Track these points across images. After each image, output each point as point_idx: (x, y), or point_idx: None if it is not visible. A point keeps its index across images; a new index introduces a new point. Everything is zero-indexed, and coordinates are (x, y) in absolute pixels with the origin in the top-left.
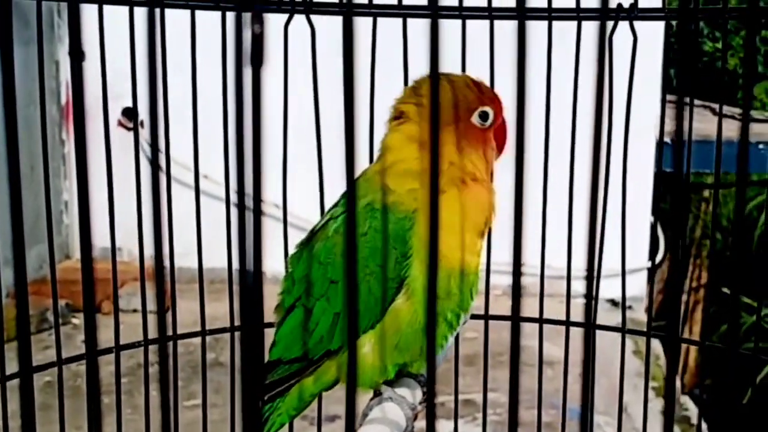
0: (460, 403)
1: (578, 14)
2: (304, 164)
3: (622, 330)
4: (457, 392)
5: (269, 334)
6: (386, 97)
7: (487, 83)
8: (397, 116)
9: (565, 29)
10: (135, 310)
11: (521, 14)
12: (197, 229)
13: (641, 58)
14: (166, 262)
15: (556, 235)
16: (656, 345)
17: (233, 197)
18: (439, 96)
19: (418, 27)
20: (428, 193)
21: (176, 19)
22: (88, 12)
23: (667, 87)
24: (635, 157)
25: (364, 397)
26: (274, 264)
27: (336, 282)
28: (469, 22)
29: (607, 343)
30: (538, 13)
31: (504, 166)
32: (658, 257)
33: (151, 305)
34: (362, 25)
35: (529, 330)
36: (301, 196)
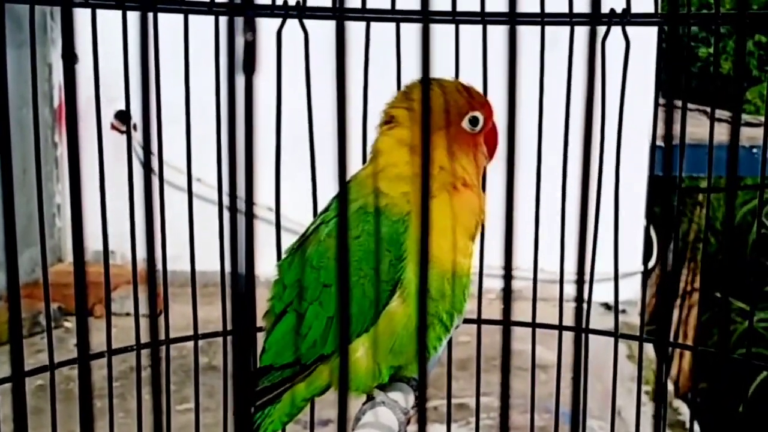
0: (453, 407)
1: (570, 19)
2: (296, 167)
3: (615, 334)
4: (450, 396)
5: (261, 339)
6: (379, 101)
7: (480, 88)
8: (388, 120)
9: (557, 34)
10: (128, 314)
11: (513, 19)
12: (190, 233)
13: (634, 63)
14: (159, 266)
15: (549, 239)
16: (649, 349)
17: (226, 200)
18: (430, 100)
19: (411, 31)
20: (420, 197)
21: (169, 23)
22: (81, 15)
23: (660, 91)
24: (629, 160)
25: (356, 402)
26: (266, 268)
27: (329, 286)
28: (462, 27)
29: (600, 347)
30: (530, 18)
31: (496, 169)
32: (652, 261)
33: (144, 309)
34: (355, 29)
35: (522, 334)
36: (294, 199)
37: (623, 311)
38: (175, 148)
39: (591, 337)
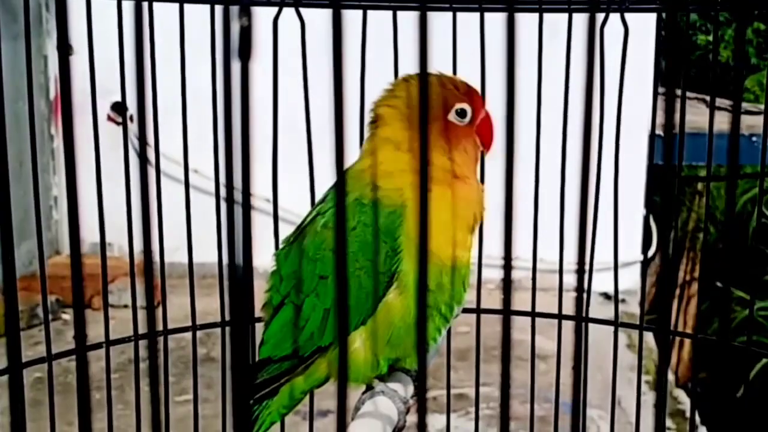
0: (452, 398)
1: (569, 6)
2: (294, 158)
3: (615, 323)
4: (449, 386)
5: (259, 330)
6: (376, 90)
7: (478, 76)
8: (374, 120)
9: (556, 22)
10: (125, 306)
11: (511, 6)
12: (187, 224)
13: (633, 51)
14: (156, 258)
15: (548, 229)
16: (649, 338)
17: (223, 191)
18: (412, 97)
19: (408, 19)
20: (414, 190)
21: (165, 12)
22: (76, 6)
23: (659, 79)
24: (628, 149)
25: (356, 392)
26: (264, 258)
27: (325, 277)
28: (459, 15)
29: (600, 337)
30: (528, 6)
31: (495, 160)
32: (651, 250)
33: (142, 300)
34: (352, 17)
35: (521, 324)
36: (292, 190)
37: (623, 301)
38: (172, 139)
39: (591, 326)
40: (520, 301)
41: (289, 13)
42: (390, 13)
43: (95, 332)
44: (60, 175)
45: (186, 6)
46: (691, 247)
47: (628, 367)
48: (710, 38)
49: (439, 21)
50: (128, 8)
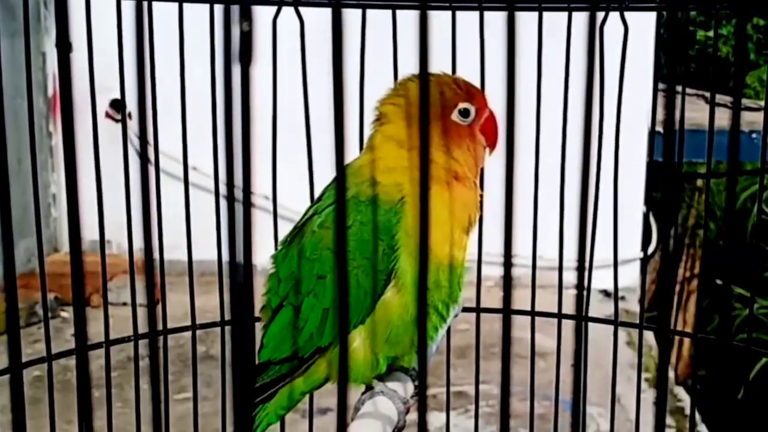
0: (452, 395)
1: (569, 5)
2: (293, 156)
3: (615, 322)
4: (449, 384)
5: (259, 328)
6: (375, 89)
7: (477, 75)
8: (378, 117)
9: (556, 20)
10: (125, 303)
11: (511, 5)
12: (186, 222)
13: (633, 48)
14: (156, 255)
15: (548, 226)
16: (649, 336)
17: (223, 189)
18: (415, 97)
19: (408, 18)
20: (414, 187)
21: (165, 11)
22: (75, 4)
23: (659, 76)
24: (628, 146)
25: (355, 391)
26: (264, 256)
27: (324, 277)
28: (459, 14)
29: (600, 334)
30: (528, 4)
31: (495, 157)
32: (651, 247)
33: (141, 298)
34: (351, 17)
35: (521, 321)
36: (291, 187)
37: (622, 298)
38: (172, 137)
39: (590, 324)
40: (520, 298)
41: (288, 12)
42: (389, 12)
43: (94, 330)
44: (58, 173)
45: (185, 5)
46: (691, 244)
47: (628, 365)
48: (710, 33)
49: (439, 20)
50: (127, 6)
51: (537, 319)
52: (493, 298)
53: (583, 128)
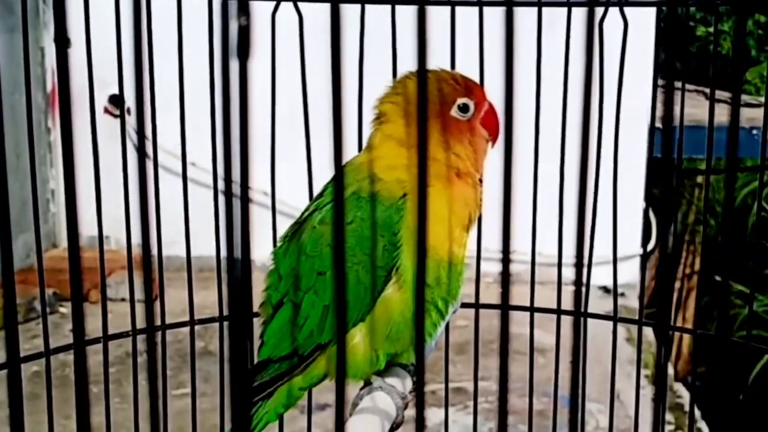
0: (450, 392)
1: (568, 1)
2: (292, 152)
3: (614, 318)
4: (447, 380)
5: (258, 325)
6: (375, 86)
7: (477, 71)
8: (378, 117)
9: (555, 16)
10: (123, 299)
11: (510, 1)
12: (185, 217)
13: (633, 44)
14: (154, 251)
15: (547, 223)
16: (649, 332)
17: (221, 185)
18: (426, 88)
19: (407, 14)
20: (416, 184)
21: (163, 4)
22: None
23: (658, 72)
24: (627, 142)
25: (354, 387)
26: (263, 252)
27: (323, 274)
28: (458, 10)
29: (599, 331)
30: (527, 0)
31: (494, 153)
32: (651, 244)
33: (139, 294)
34: (350, 12)
35: (520, 318)
36: (290, 183)
37: (622, 294)
38: (170, 132)
39: (590, 320)
40: (519, 294)
41: (287, 7)
42: (388, 7)
43: (93, 326)
44: (57, 168)
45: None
46: (691, 241)
47: (628, 361)
48: (710, 29)
49: (438, 16)
50: (126, 1)
51: (536, 315)
52: (492, 294)
53: (582, 124)
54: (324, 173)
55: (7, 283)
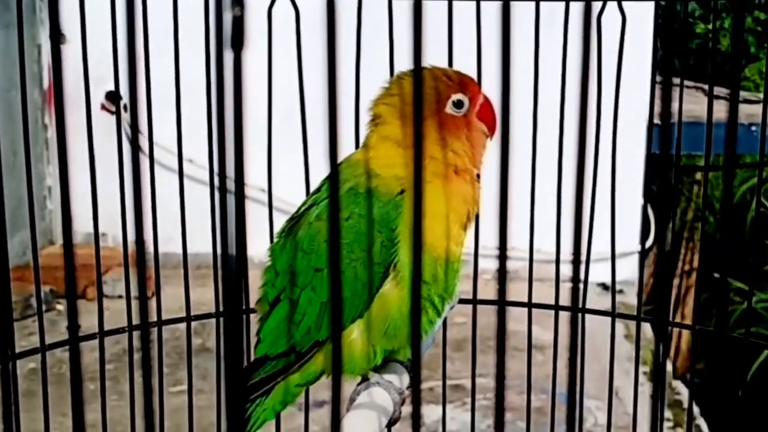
0: (448, 389)
1: None
2: (289, 148)
3: (612, 314)
4: (445, 377)
5: (255, 322)
6: (372, 81)
7: (474, 66)
8: (373, 118)
9: (552, 11)
10: (120, 296)
11: None
12: (181, 214)
13: (631, 40)
14: (150, 248)
15: (546, 220)
16: (647, 329)
17: (217, 181)
18: (407, 94)
19: (403, 8)
20: (413, 181)
21: (158, 1)
22: None
23: (657, 68)
24: (626, 139)
25: (351, 383)
26: (259, 249)
27: (321, 270)
28: (455, 4)
29: (597, 328)
30: None
31: (491, 150)
32: (649, 241)
33: (135, 290)
34: (346, 6)
35: (518, 315)
36: (287, 180)
37: (620, 291)
38: (168, 128)
39: (588, 317)
40: (516, 291)
41: (283, 2)
42: (385, 1)
43: (90, 323)
44: (54, 165)
45: None
46: (690, 237)
47: (626, 358)
48: (709, 26)
49: (435, 11)
50: None
51: (534, 312)
52: (489, 291)
53: (579, 120)
54: (321, 170)
55: (1, 279)
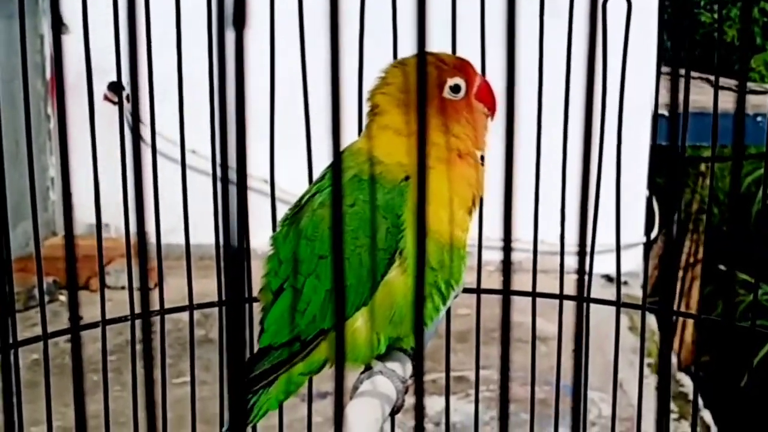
0: (452, 380)
1: None
2: (292, 138)
3: (617, 303)
4: (448, 369)
5: (258, 311)
6: (375, 69)
7: (478, 56)
8: (372, 108)
9: (557, 1)
10: (123, 287)
11: None
12: (184, 205)
13: (636, 29)
14: (153, 239)
15: (550, 211)
16: (652, 320)
17: (220, 172)
18: (404, 82)
19: None
20: (416, 167)
21: None
22: None
23: (662, 58)
24: (630, 129)
25: (354, 372)
26: (262, 240)
27: (325, 257)
28: None
29: (602, 319)
30: None
31: (496, 140)
32: (654, 232)
33: (138, 281)
34: None
35: (522, 306)
36: (290, 171)
37: (625, 283)
38: (171, 119)
39: (592, 308)
40: (521, 283)
41: None
42: None
43: (92, 313)
44: (57, 156)
45: None
46: (695, 229)
47: (630, 350)
48: (715, 16)
49: (439, 0)
50: None
51: (538, 304)
52: (493, 282)
53: (585, 110)
54: (324, 161)
55: (2, 269)
